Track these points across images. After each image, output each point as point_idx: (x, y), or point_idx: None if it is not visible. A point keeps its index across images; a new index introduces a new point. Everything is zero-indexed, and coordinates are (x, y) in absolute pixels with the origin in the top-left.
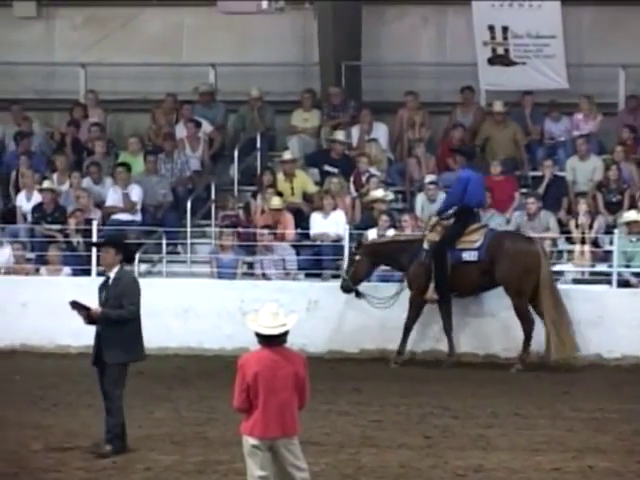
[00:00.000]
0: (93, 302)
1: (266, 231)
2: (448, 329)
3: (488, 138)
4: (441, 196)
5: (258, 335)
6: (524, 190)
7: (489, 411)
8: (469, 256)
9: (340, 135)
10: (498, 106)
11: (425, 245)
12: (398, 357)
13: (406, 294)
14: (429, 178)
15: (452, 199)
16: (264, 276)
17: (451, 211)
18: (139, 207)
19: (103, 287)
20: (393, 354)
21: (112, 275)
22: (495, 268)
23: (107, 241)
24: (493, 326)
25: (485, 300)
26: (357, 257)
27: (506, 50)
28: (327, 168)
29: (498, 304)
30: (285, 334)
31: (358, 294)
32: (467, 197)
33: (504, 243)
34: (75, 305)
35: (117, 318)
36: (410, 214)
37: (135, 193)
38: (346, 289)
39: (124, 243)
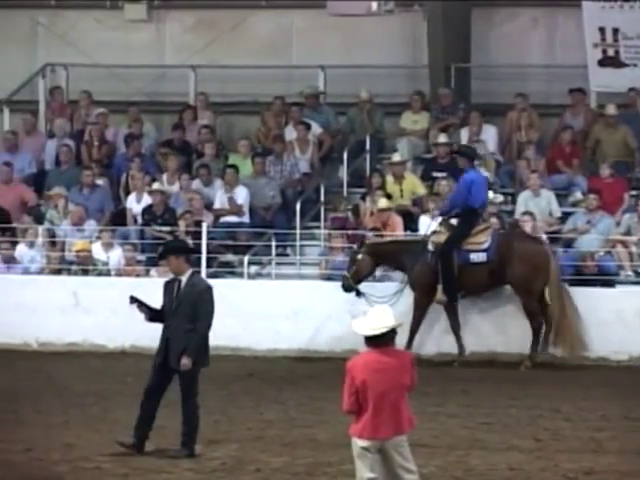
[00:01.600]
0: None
1: (371, 234)
2: (456, 329)
3: (598, 140)
4: (545, 192)
5: (365, 337)
6: (634, 192)
7: (600, 414)
8: (477, 257)
9: (442, 137)
10: (611, 109)
11: (430, 246)
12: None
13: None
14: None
15: (456, 201)
16: (374, 278)
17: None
18: (246, 209)
19: (171, 287)
20: (504, 357)
21: (184, 280)
22: (505, 269)
23: (164, 252)
24: (609, 329)
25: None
26: (359, 256)
27: (616, 52)
28: (436, 174)
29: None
30: (390, 334)
31: (359, 293)
32: (471, 198)
33: (513, 244)
34: (134, 300)
35: (199, 345)
36: (530, 214)
37: (241, 196)
38: (347, 288)
39: (180, 247)
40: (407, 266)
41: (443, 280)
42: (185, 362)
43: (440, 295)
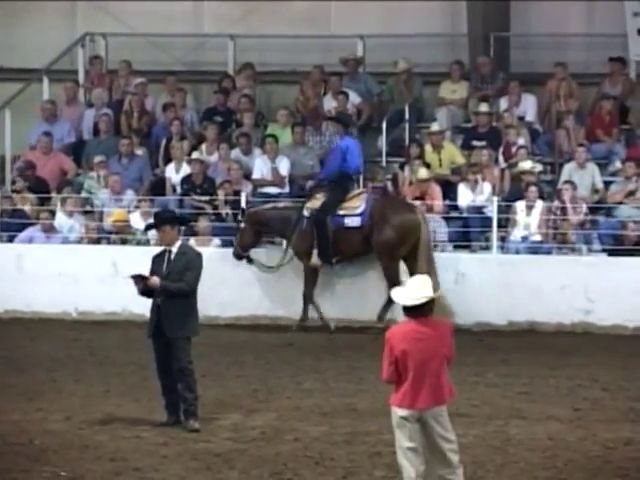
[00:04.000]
0: None
1: (418, 202)
2: (309, 295)
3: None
4: (590, 165)
5: (403, 307)
6: None
7: (639, 383)
8: (351, 222)
9: (484, 107)
10: None
11: (306, 212)
12: (300, 323)
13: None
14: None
15: (332, 167)
16: None
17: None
18: (287, 179)
19: (160, 259)
20: (541, 325)
21: (174, 249)
22: (373, 233)
23: (160, 222)
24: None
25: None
26: (242, 225)
27: None
28: (475, 143)
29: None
30: (429, 305)
31: (250, 260)
32: (346, 165)
33: (386, 210)
34: (134, 277)
35: (177, 291)
36: (571, 184)
37: (283, 166)
38: (237, 256)
39: (175, 217)
40: (286, 233)
41: (318, 245)
42: (154, 280)
43: (315, 259)
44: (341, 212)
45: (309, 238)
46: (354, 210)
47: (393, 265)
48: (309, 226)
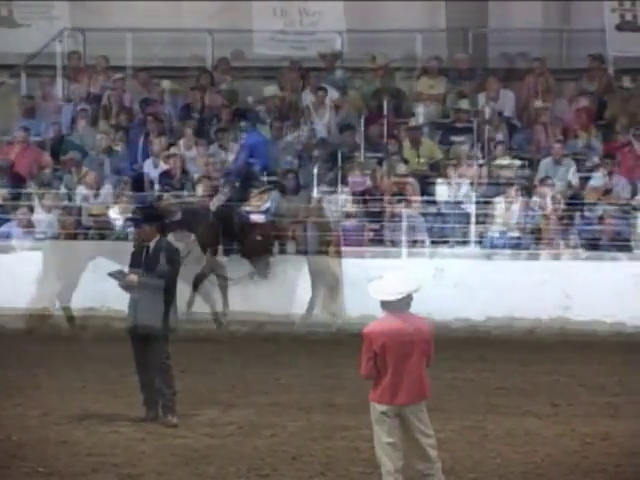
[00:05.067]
0: None
1: (396, 198)
2: (224, 289)
3: (615, 114)
4: (567, 160)
5: (381, 302)
6: None
7: (616, 379)
8: (257, 218)
9: (464, 104)
10: (626, 82)
11: (212, 208)
12: (223, 318)
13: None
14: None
15: (239, 163)
16: (392, 243)
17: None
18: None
19: (139, 255)
20: (519, 321)
21: (152, 245)
22: (284, 230)
23: (139, 220)
24: (626, 295)
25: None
26: None
27: (634, 16)
28: (453, 139)
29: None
30: (407, 300)
31: None
32: (253, 160)
33: (294, 208)
34: (113, 275)
35: (153, 287)
36: (549, 179)
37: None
38: None
39: (154, 215)
40: (192, 227)
41: (224, 240)
42: (131, 278)
43: (221, 255)
44: (247, 208)
45: (215, 233)
46: (259, 207)
47: (321, 260)
48: (215, 221)
